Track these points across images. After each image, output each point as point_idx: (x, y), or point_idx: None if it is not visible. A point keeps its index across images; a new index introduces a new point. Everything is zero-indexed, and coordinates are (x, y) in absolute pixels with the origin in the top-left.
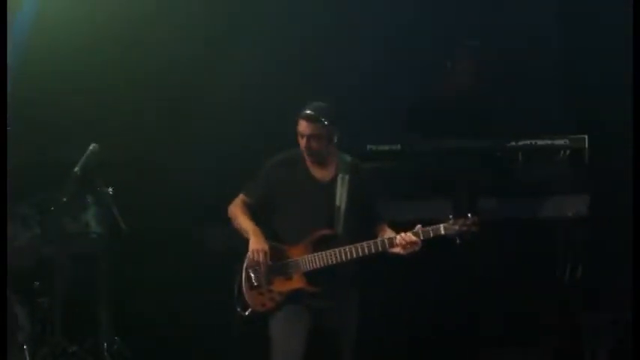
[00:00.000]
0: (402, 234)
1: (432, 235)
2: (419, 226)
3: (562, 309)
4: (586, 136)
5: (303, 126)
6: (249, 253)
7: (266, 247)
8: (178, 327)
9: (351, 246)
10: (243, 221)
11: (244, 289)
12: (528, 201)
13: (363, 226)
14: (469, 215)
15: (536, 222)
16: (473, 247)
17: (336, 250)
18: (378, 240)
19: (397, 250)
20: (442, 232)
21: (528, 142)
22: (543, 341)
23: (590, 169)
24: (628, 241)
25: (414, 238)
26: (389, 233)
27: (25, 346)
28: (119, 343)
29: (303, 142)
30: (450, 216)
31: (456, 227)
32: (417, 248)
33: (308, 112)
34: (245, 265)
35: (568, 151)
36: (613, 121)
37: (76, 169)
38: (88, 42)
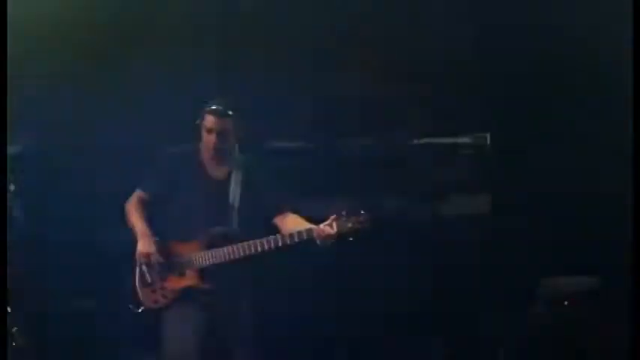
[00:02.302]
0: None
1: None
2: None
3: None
4: (488, 134)
5: (210, 121)
6: (137, 256)
7: (152, 249)
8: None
9: (246, 242)
10: (134, 220)
11: (137, 286)
12: (428, 200)
13: (258, 221)
14: (362, 212)
15: (437, 221)
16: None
17: (232, 246)
18: (271, 237)
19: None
20: (334, 228)
21: (430, 139)
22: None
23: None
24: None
25: (332, 231)
26: (292, 220)
27: None
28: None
29: (209, 137)
30: (343, 212)
31: (349, 224)
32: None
33: (216, 106)
34: (138, 262)
35: (470, 149)
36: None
37: None
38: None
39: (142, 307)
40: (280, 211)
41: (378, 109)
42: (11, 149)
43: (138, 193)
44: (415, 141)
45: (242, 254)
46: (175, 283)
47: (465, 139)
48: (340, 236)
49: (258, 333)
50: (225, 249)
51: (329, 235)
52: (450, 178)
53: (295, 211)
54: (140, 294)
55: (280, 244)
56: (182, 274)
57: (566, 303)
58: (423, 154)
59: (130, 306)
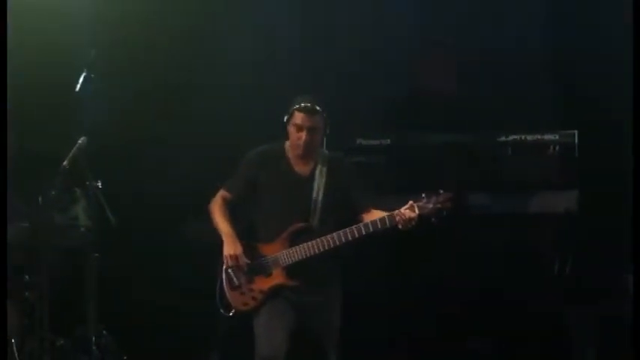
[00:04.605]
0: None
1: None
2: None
3: (551, 304)
4: (576, 132)
5: (300, 118)
6: (224, 258)
7: (239, 250)
8: (166, 321)
9: (329, 235)
10: (219, 221)
11: (226, 289)
12: (516, 196)
13: (341, 217)
14: (441, 191)
15: (524, 217)
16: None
17: (315, 240)
18: (361, 225)
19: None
20: (416, 211)
21: (517, 137)
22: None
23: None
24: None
25: (413, 214)
26: (377, 216)
27: (12, 340)
28: (107, 336)
29: (301, 134)
30: (423, 195)
31: (430, 205)
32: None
33: (308, 104)
34: (224, 266)
35: (557, 147)
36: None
37: (65, 162)
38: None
39: (233, 310)
40: (365, 208)
41: (462, 107)
42: None
43: (222, 193)
44: (503, 138)
45: (325, 247)
46: (263, 284)
47: (551, 137)
48: (422, 218)
49: (348, 329)
50: (308, 244)
51: (411, 219)
52: (536, 175)
53: (378, 208)
54: (229, 297)
55: (363, 232)
56: (269, 274)
57: None
58: (510, 151)
59: (221, 310)
